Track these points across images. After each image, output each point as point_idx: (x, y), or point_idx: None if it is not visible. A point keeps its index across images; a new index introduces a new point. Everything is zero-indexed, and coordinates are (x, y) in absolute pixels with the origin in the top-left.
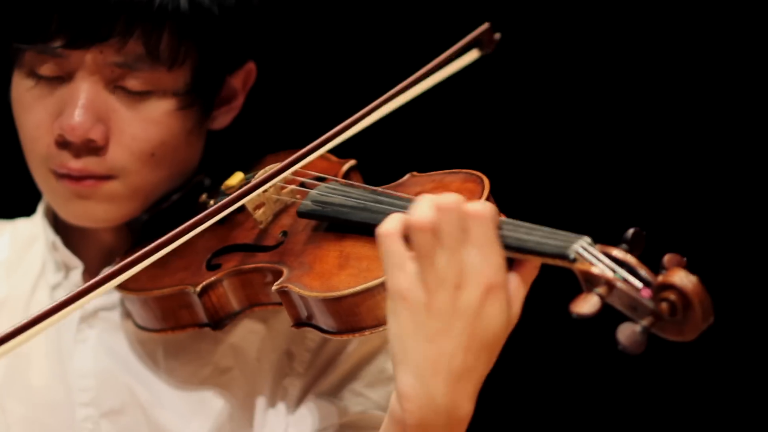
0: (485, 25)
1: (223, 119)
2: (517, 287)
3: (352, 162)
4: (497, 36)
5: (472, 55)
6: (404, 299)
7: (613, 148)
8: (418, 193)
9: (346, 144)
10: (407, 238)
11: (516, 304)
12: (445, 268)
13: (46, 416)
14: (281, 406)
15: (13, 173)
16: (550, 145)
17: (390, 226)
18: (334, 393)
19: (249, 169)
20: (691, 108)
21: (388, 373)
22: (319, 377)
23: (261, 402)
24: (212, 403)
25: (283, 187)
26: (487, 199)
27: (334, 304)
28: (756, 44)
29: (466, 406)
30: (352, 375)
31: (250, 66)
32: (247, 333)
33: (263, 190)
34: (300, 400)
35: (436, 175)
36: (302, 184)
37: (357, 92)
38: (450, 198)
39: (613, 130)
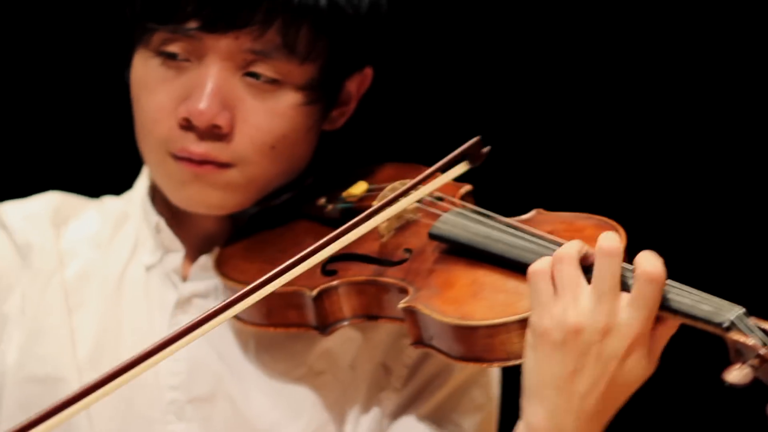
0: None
1: (337, 121)
2: (660, 342)
3: (468, 187)
4: (485, 150)
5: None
6: (544, 337)
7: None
8: (550, 232)
9: None
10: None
11: (656, 358)
12: (593, 311)
13: (133, 394)
14: (375, 419)
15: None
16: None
17: (542, 264)
18: (431, 418)
19: (369, 178)
20: None
21: (477, 402)
22: (415, 398)
23: (353, 410)
24: (301, 404)
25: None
26: (624, 250)
27: (466, 332)
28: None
29: None
30: (448, 403)
31: (368, 71)
32: (345, 340)
33: (411, 204)
34: (395, 416)
35: (566, 216)
36: (420, 201)
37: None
38: (614, 242)
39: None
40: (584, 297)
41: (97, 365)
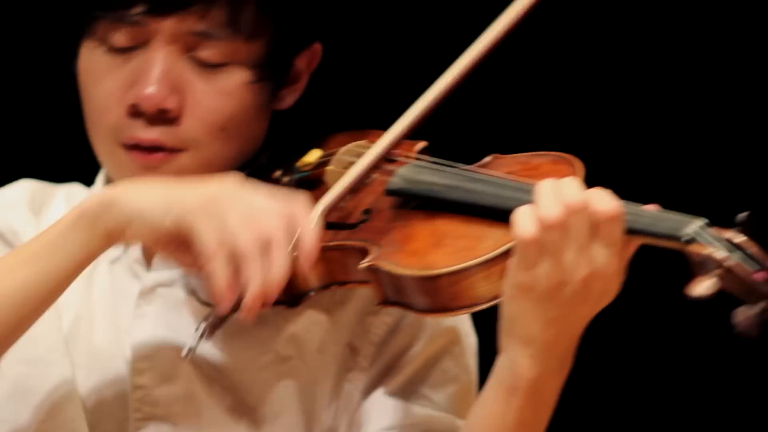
0: None
1: (287, 99)
2: (622, 261)
3: (423, 143)
4: None
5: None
6: (530, 290)
7: (716, 135)
8: (509, 173)
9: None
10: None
11: (622, 273)
12: (574, 265)
13: (101, 395)
14: (344, 400)
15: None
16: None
17: (529, 229)
18: (400, 394)
19: (320, 145)
20: None
21: (450, 374)
22: (385, 375)
23: (323, 394)
24: (271, 391)
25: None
26: (584, 180)
27: (430, 282)
28: None
29: (571, 360)
30: (418, 377)
31: (316, 47)
32: (311, 323)
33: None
34: (365, 395)
35: (521, 157)
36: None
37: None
38: (578, 196)
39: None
40: (567, 255)
41: (72, 355)
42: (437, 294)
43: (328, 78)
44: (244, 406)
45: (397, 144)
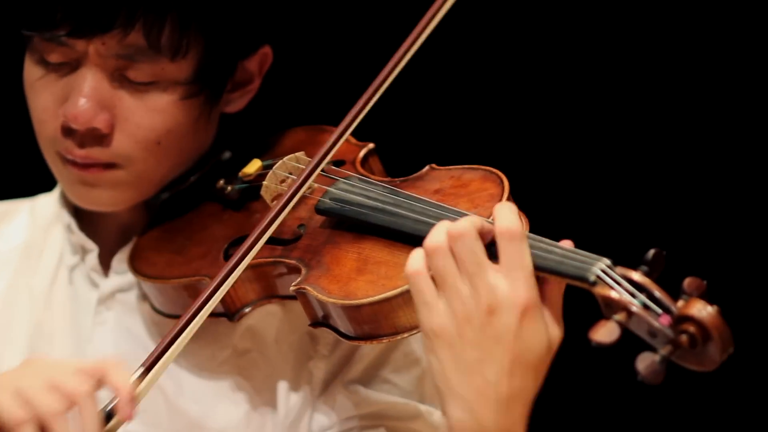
0: None
1: (238, 102)
2: (553, 305)
3: (370, 146)
4: None
5: None
6: (438, 336)
7: (635, 163)
8: (437, 191)
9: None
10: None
11: (558, 322)
12: (470, 295)
13: None
14: (306, 389)
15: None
16: (571, 157)
17: (416, 264)
18: (362, 380)
19: (263, 153)
20: (714, 121)
21: (414, 356)
22: (345, 362)
23: (283, 384)
24: (231, 385)
25: None
26: (507, 199)
27: (351, 311)
28: None
29: (518, 429)
30: (379, 362)
31: (266, 50)
32: (265, 315)
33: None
34: (326, 384)
35: (455, 170)
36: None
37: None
38: (462, 223)
39: (635, 146)
40: (462, 285)
41: None
42: (359, 322)
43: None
44: (207, 403)
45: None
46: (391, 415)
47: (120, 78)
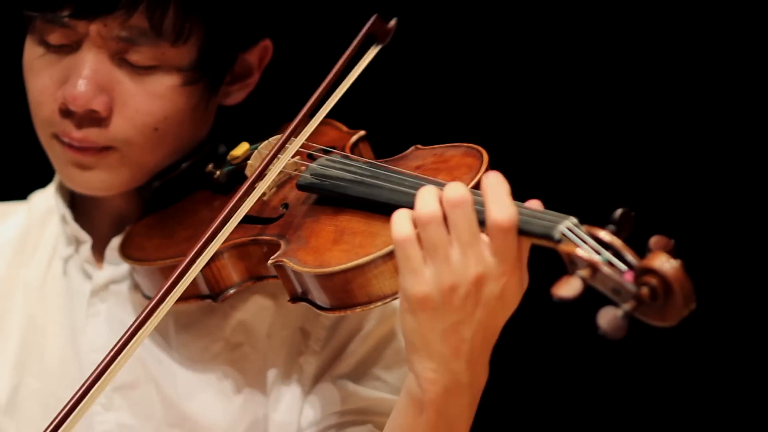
0: (373, 17)
1: (237, 95)
2: (521, 259)
3: (361, 133)
4: (391, 24)
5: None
6: (423, 303)
7: (607, 125)
8: (418, 167)
9: (358, 116)
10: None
11: (525, 275)
12: (460, 265)
13: (60, 390)
14: (296, 384)
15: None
16: (545, 123)
17: (404, 229)
18: (352, 376)
19: (255, 139)
20: (684, 94)
21: (403, 355)
22: (336, 358)
23: (274, 379)
24: (224, 379)
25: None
26: (486, 170)
27: (325, 280)
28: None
29: (484, 375)
30: (370, 358)
31: (266, 43)
32: (258, 309)
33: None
34: (317, 379)
35: (438, 149)
36: (310, 156)
37: None
38: (460, 189)
39: (609, 114)
40: (453, 254)
41: (25, 365)
42: (333, 291)
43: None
44: (199, 396)
45: (335, 131)
46: (379, 411)
47: (120, 61)
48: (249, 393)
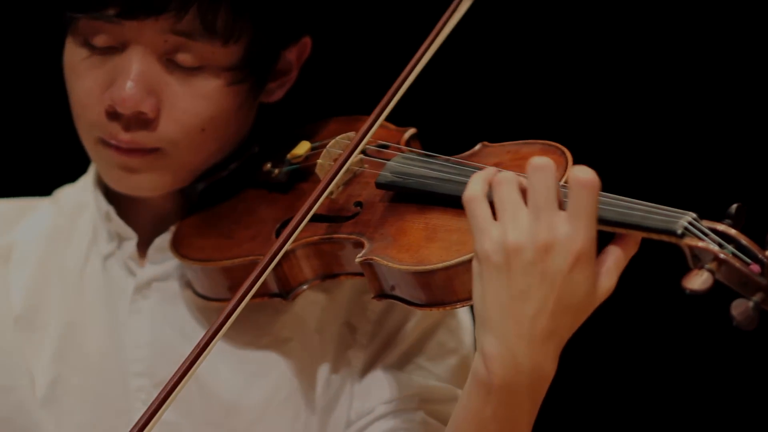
0: None
1: (277, 92)
2: (617, 260)
3: (412, 130)
4: None
5: None
6: (487, 260)
7: (707, 127)
8: (497, 164)
9: (404, 114)
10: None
11: (613, 277)
12: (528, 228)
13: (100, 385)
14: (345, 378)
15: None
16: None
17: (475, 188)
18: (398, 366)
19: (312, 137)
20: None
21: (448, 347)
22: (382, 350)
23: (323, 372)
24: (270, 372)
25: None
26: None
27: (424, 277)
28: None
29: (548, 367)
30: (414, 349)
31: (306, 40)
32: (308, 304)
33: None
34: (364, 372)
35: (510, 146)
36: (364, 152)
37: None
38: (544, 158)
39: (670, 111)
40: (522, 215)
41: (64, 359)
42: (433, 288)
43: (317, 68)
44: (242, 386)
45: (384, 130)
46: (429, 398)
47: (167, 62)
48: (295, 387)
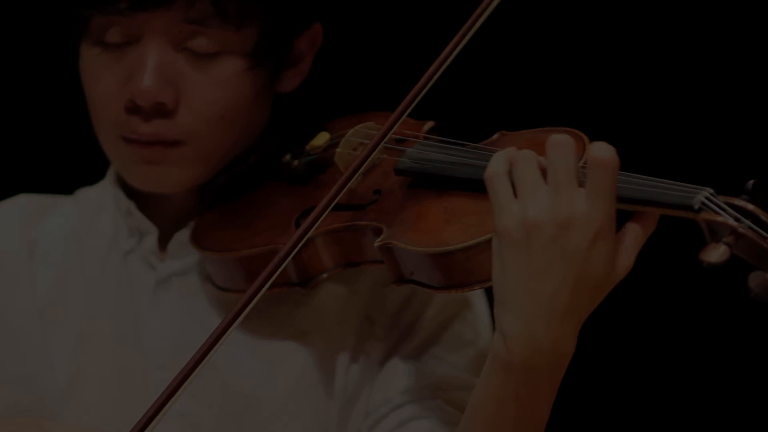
0: None
1: (291, 82)
2: (636, 238)
3: (431, 123)
4: None
5: None
6: (508, 236)
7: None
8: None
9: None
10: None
11: (632, 254)
12: (548, 204)
13: (120, 377)
14: (364, 369)
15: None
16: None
17: (497, 166)
18: (415, 357)
19: (329, 128)
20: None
21: (465, 338)
22: (400, 341)
23: (342, 364)
24: (290, 364)
25: None
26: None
27: (443, 258)
28: None
29: (568, 345)
30: (432, 340)
31: (317, 28)
32: (328, 296)
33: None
34: (382, 363)
35: (528, 133)
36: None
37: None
38: (563, 136)
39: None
40: (542, 192)
41: (85, 352)
42: (452, 270)
43: (332, 60)
44: (262, 376)
45: (403, 123)
46: (446, 387)
47: (183, 51)
48: (315, 379)
